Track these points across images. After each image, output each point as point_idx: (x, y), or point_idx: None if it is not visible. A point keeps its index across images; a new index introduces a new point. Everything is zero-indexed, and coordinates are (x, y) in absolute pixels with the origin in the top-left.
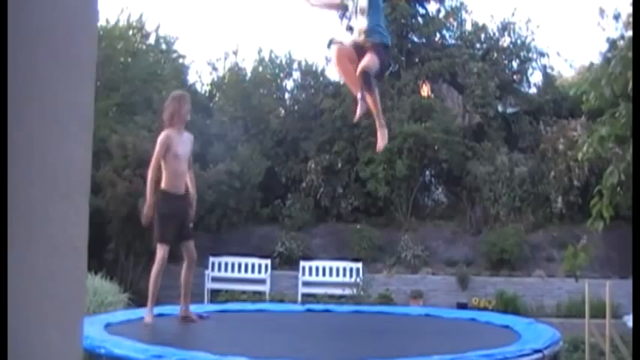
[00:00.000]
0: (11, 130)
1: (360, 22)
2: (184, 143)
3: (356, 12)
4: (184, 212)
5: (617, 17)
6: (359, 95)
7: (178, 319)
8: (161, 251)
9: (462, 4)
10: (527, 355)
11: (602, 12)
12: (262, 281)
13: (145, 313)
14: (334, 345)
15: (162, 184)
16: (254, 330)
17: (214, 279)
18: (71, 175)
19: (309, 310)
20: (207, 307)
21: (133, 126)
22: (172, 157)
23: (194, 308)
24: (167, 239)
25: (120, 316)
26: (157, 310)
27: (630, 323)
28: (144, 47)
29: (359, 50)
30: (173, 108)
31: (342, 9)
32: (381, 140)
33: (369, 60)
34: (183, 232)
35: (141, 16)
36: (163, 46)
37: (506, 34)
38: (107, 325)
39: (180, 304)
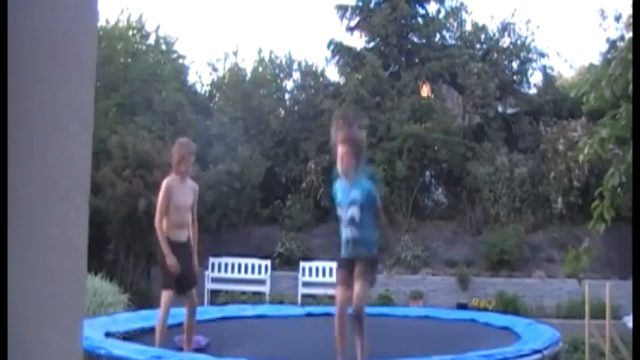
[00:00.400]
0: (11, 130)
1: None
2: (186, 193)
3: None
4: (186, 260)
5: (617, 18)
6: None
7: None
8: (165, 296)
9: (462, 4)
10: (527, 355)
11: (602, 13)
12: (262, 282)
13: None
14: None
15: (165, 232)
16: (254, 334)
17: (214, 280)
18: (71, 175)
19: (309, 315)
20: (208, 309)
21: (132, 126)
22: (173, 209)
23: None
24: (170, 285)
25: (120, 322)
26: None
27: (630, 324)
28: (144, 47)
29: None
30: (179, 156)
31: None
32: None
33: (359, 292)
34: (185, 281)
35: (141, 16)
36: (163, 47)
37: (506, 34)
38: (107, 335)
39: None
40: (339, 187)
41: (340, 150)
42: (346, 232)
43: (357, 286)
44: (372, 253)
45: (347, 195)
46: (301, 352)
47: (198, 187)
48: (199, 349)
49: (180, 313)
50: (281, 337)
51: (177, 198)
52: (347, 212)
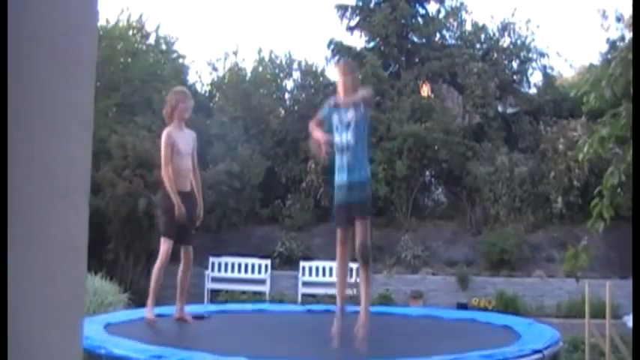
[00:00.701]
0: (11, 130)
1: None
2: (186, 140)
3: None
4: (189, 210)
5: (619, 19)
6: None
7: (174, 320)
8: (165, 245)
9: (462, 4)
10: (527, 355)
11: (604, 14)
12: (262, 281)
13: (146, 310)
14: (334, 345)
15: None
16: (254, 331)
17: (214, 279)
18: (71, 175)
19: (309, 311)
20: (208, 307)
21: (132, 126)
22: (175, 155)
23: (194, 308)
24: (171, 234)
25: (120, 316)
26: (157, 310)
27: (630, 323)
28: (144, 47)
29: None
30: (171, 104)
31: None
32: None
33: (363, 233)
34: (186, 232)
35: (141, 16)
36: (163, 47)
37: (506, 34)
38: (107, 325)
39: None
40: (335, 114)
41: (342, 81)
42: (340, 162)
43: (360, 229)
44: (368, 195)
45: (343, 118)
46: (300, 347)
47: (196, 134)
48: (199, 317)
49: (173, 310)
50: (280, 332)
51: (178, 144)
52: (342, 136)
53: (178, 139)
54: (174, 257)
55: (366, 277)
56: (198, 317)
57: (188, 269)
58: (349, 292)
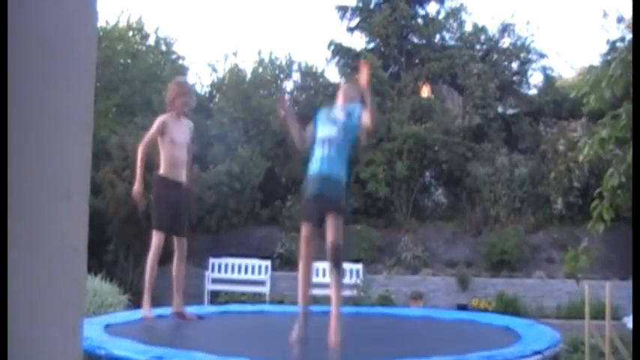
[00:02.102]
0: (11, 130)
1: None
2: (182, 130)
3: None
4: (181, 199)
5: (620, 20)
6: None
7: (172, 314)
8: (156, 238)
9: (462, 5)
10: (528, 356)
11: (605, 15)
12: (262, 282)
13: (142, 306)
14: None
15: (160, 170)
16: (254, 331)
17: (214, 280)
18: (71, 175)
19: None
20: (207, 308)
21: (132, 127)
22: (168, 142)
23: (193, 310)
24: (163, 226)
25: (120, 317)
26: (157, 311)
27: (630, 324)
28: (143, 48)
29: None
30: (170, 94)
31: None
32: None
33: (335, 233)
34: (179, 223)
35: (140, 17)
36: (163, 48)
37: (506, 35)
38: (107, 326)
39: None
40: (325, 112)
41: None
42: (319, 154)
43: (331, 228)
44: (344, 194)
45: (333, 115)
46: (299, 348)
47: (193, 125)
48: (198, 317)
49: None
50: (280, 333)
51: (172, 132)
52: (326, 129)
53: (174, 128)
54: (171, 257)
55: (337, 281)
56: (198, 317)
57: (182, 262)
58: (349, 292)
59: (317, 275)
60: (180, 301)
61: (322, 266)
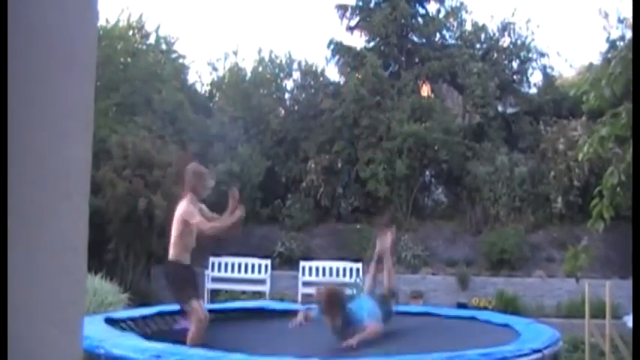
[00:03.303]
0: (11, 130)
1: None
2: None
3: None
4: (195, 279)
5: (621, 20)
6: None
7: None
8: (198, 308)
9: (462, 4)
10: (527, 354)
11: (606, 15)
12: (262, 281)
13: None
14: (333, 343)
15: (172, 255)
16: (254, 329)
17: (214, 279)
18: (71, 175)
19: (309, 310)
20: (207, 306)
21: (132, 126)
22: (188, 233)
23: None
24: (195, 295)
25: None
26: (156, 309)
27: (630, 323)
28: (144, 47)
29: None
30: (193, 179)
31: None
32: None
33: None
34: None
35: (141, 16)
36: (163, 46)
37: (506, 34)
38: (107, 321)
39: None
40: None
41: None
42: None
43: None
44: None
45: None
46: (299, 345)
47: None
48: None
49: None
50: (280, 329)
51: (192, 222)
52: None
53: (193, 216)
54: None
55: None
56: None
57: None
58: (349, 292)
59: (318, 275)
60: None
61: (329, 265)
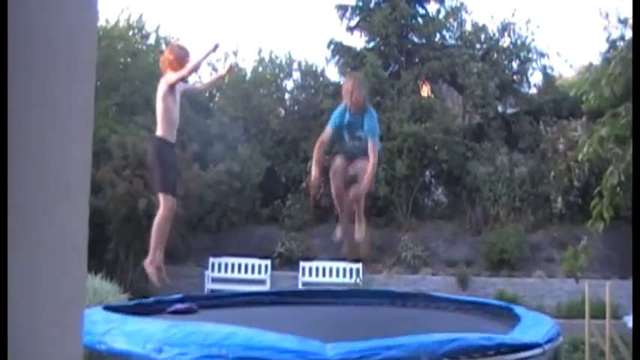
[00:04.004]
0: (11, 131)
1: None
2: (180, 91)
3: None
4: (177, 160)
5: (622, 21)
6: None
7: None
8: (168, 202)
9: (462, 4)
10: (528, 347)
11: (606, 15)
12: (262, 282)
13: (147, 261)
14: (333, 321)
15: (160, 131)
16: (253, 310)
17: (214, 279)
18: (71, 175)
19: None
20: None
21: (132, 126)
22: (172, 102)
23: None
24: (172, 189)
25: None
26: (152, 299)
27: (630, 324)
28: (144, 47)
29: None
30: (178, 55)
31: None
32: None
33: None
34: (176, 184)
35: (141, 16)
36: (163, 47)
37: (506, 34)
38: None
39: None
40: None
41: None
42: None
43: None
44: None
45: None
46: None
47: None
48: (188, 311)
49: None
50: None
51: (177, 92)
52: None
53: (178, 89)
54: (175, 258)
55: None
56: (187, 311)
57: (169, 221)
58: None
59: (318, 275)
60: (154, 255)
61: (329, 265)
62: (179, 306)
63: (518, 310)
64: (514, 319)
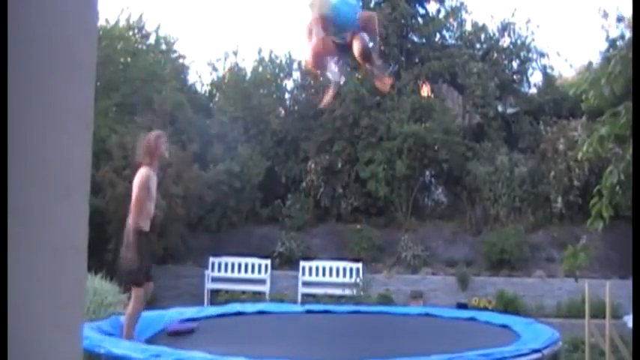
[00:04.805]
0: (11, 130)
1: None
2: (156, 183)
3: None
4: (153, 246)
5: (621, 19)
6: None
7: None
8: (138, 292)
9: (462, 4)
10: (526, 354)
11: (606, 15)
12: (262, 281)
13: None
14: (334, 345)
15: (140, 224)
16: (254, 331)
17: (214, 279)
18: (71, 175)
19: (309, 312)
20: (207, 309)
21: (132, 126)
22: (149, 199)
23: (193, 312)
24: (143, 281)
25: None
26: (155, 313)
27: (630, 323)
28: (144, 47)
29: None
30: (150, 147)
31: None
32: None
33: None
34: (149, 269)
35: (141, 16)
36: (163, 47)
37: (506, 34)
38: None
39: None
40: None
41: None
42: None
43: None
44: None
45: None
46: (300, 347)
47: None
48: (187, 332)
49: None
50: (280, 333)
51: (152, 189)
52: None
53: (152, 184)
54: (175, 257)
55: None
56: (187, 331)
57: (144, 304)
58: (349, 292)
59: (318, 275)
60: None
61: (329, 265)
62: (179, 326)
63: (518, 326)
64: (514, 337)
